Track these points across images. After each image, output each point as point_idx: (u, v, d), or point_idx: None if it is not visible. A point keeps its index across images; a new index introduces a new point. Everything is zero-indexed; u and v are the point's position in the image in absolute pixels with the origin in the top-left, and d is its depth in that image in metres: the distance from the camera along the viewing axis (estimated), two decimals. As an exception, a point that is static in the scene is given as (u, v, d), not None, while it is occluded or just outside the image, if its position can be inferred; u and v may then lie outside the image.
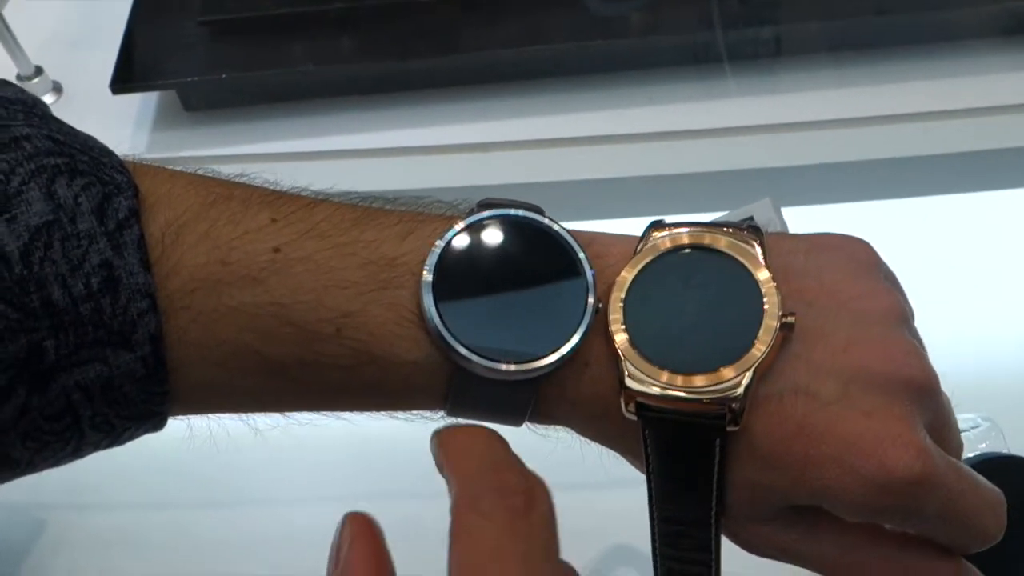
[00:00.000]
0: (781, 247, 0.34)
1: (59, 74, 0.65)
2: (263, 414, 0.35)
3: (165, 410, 0.32)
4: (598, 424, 0.33)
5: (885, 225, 0.62)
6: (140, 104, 0.63)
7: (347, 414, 0.35)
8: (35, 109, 0.33)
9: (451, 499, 0.26)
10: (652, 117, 0.63)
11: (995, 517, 0.33)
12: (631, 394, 0.31)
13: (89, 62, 0.63)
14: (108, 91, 0.60)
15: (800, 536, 0.33)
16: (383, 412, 0.34)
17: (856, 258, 0.34)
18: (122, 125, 0.63)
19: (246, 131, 0.63)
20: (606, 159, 0.61)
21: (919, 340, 0.33)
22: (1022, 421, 0.49)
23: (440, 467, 0.27)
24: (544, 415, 0.34)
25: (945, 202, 0.62)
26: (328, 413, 0.34)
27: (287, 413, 0.35)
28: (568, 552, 0.26)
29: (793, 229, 0.44)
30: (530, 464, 0.28)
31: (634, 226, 0.36)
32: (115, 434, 0.32)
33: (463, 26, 0.63)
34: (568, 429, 0.34)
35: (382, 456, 0.62)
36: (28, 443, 0.31)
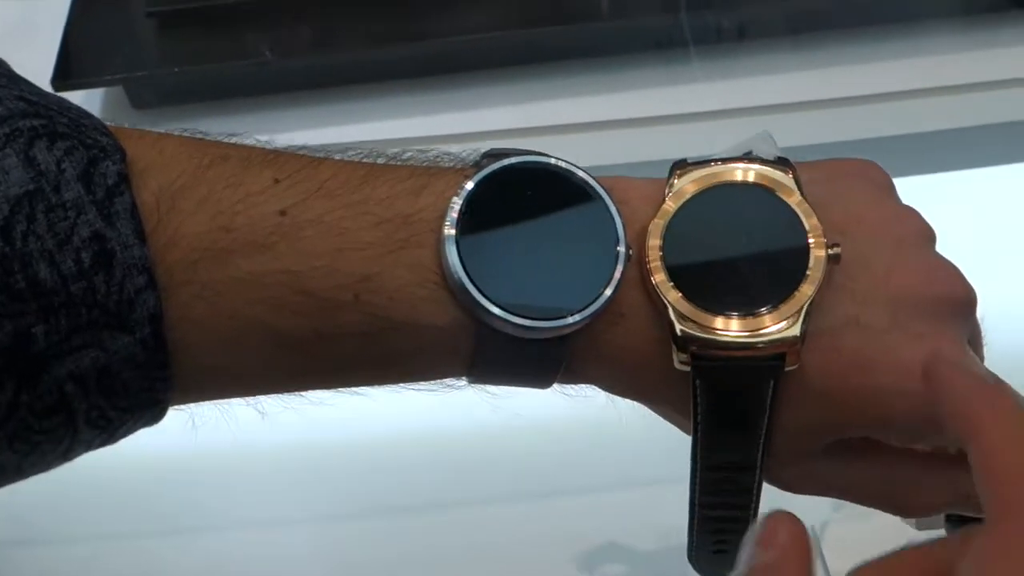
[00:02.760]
0: (801, 178, 0.32)
1: (-7, 72, 0.61)
2: (269, 396, 0.32)
3: (167, 398, 0.29)
4: (633, 377, 0.32)
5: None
6: (84, 101, 0.59)
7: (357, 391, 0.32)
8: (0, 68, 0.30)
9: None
10: (622, 103, 0.61)
11: None
12: (684, 344, 0.29)
13: (27, 57, 0.59)
14: (49, 88, 0.56)
15: (848, 466, 0.33)
16: (400, 384, 0.32)
17: (874, 182, 0.33)
18: (65, 125, 0.59)
19: (199, 128, 0.60)
20: (580, 146, 0.59)
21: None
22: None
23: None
24: (574, 373, 0.32)
25: (924, 181, 0.61)
26: (342, 390, 0.32)
27: (298, 392, 0.32)
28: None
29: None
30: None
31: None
32: (111, 429, 0.29)
33: (428, 13, 0.60)
34: (596, 387, 0.33)
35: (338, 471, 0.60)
36: (17, 445, 0.27)
